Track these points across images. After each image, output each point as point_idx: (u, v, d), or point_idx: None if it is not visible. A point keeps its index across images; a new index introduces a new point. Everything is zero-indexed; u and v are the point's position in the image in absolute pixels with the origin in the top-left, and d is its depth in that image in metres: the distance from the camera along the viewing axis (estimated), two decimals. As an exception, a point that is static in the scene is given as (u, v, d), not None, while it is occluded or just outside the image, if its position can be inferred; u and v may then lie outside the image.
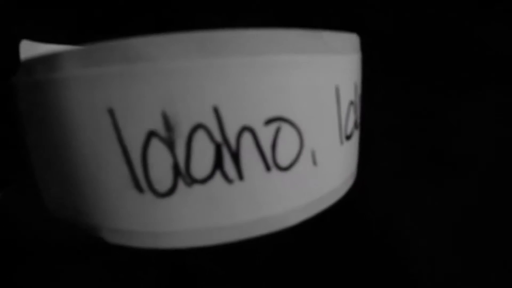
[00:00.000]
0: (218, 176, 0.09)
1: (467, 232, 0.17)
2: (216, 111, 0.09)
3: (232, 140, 0.09)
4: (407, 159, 0.19)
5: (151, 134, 0.09)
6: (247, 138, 0.09)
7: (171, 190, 0.09)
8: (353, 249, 0.16)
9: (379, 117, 0.19)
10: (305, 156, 0.10)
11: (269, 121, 0.09)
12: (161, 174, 0.09)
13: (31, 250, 0.14)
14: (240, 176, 0.09)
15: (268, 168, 0.10)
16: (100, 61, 0.09)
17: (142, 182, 0.09)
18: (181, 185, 0.09)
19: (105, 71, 0.09)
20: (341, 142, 0.11)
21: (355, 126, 0.12)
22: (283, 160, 0.10)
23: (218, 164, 0.09)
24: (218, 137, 0.09)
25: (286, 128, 0.10)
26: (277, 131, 0.10)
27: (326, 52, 0.10)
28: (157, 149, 0.09)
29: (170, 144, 0.09)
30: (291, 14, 0.21)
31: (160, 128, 0.09)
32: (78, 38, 0.23)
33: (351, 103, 0.11)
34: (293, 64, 0.09)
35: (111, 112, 0.09)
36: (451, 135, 0.19)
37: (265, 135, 0.09)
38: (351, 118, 0.12)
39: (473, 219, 0.17)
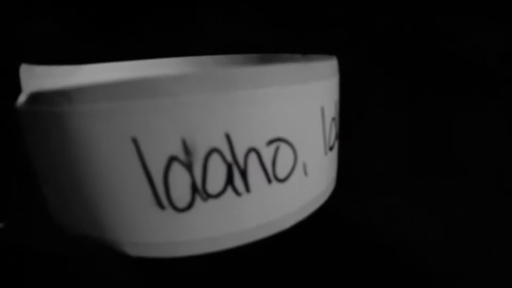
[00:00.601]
0: (229, 190, 0.11)
1: (467, 238, 0.18)
2: (227, 136, 0.10)
3: (241, 160, 0.11)
4: (406, 161, 0.21)
5: (172, 159, 0.10)
6: (253, 157, 0.11)
7: (189, 205, 0.11)
8: (349, 252, 0.17)
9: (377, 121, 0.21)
10: (298, 168, 0.12)
11: (270, 142, 0.11)
12: (181, 192, 0.11)
13: (41, 264, 0.14)
14: (247, 189, 0.11)
15: (269, 180, 0.11)
16: (124, 96, 0.10)
17: (163, 200, 0.11)
18: (198, 200, 0.11)
19: (129, 105, 0.10)
20: (326, 153, 0.13)
21: (336, 138, 0.14)
22: (281, 173, 0.12)
23: (229, 180, 0.11)
24: (229, 158, 0.11)
25: (283, 147, 0.12)
26: (277, 150, 0.11)
27: (313, 79, 0.12)
28: (177, 171, 0.10)
29: (189, 166, 0.10)
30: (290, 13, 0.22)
31: (180, 153, 0.10)
32: (78, 37, 0.23)
33: (333, 119, 0.14)
34: (287, 93, 0.11)
35: (135, 141, 0.10)
36: (452, 137, 0.21)
37: (267, 153, 0.11)
38: (333, 132, 0.14)
39: (474, 222, 0.18)
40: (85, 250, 0.14)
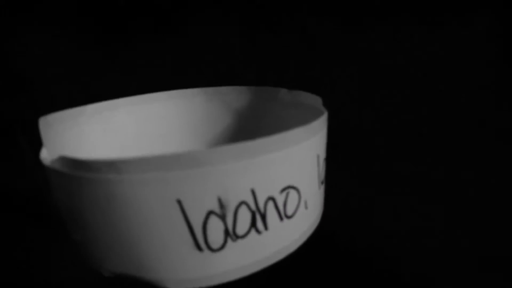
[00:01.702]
0: (253, 231, 0.14)
1: (471, 261, 0.19)
2: (253, 192, 0.13)
3: (262, 207, 0.14)
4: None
5: (210, 213, 0.13)
6: (270, 204, 0.14)
7: (222, 246, 0.13)
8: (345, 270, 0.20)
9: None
10: (301, 205, 0.15)
11: (283, 190, 0.14)
12: (216, 237, 0.13)
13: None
14: (266, 227, 0.14)
15: (281, 218, 0.14)
16: (170, 167, 0.12)
17: (201, 244, 0.13)
18: (229, 241, 0.13)
19: (174, 174, 0.12)
20: (319, 188, 0.16)
21: (324, 172, 0.17)
22: (289, 211, 0.15)
23: (253, 223, 0.14)
24: (253, 207, 0.13)
25: (292, 192, 0.14)
26: (287, 195, 0.14)
27: (312, 135, 0.15)
28: (214, 221, 0.13)
29: (223, 217, 0.13)
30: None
31: (216, 208, 0.13)
32: (78, 37, 0.23)
33: (324, 160, 0.17)
34: (295, 151, 0.14)
35: (179, 202, 0.12)
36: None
37: (281, 199, 0.14)
38: (324, 169, 0.17)
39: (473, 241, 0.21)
40: None
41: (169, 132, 0.22)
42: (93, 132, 0.19)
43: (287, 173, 0.14)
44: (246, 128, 0.23)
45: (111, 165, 0.12)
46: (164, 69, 0.27)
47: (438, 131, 0.28)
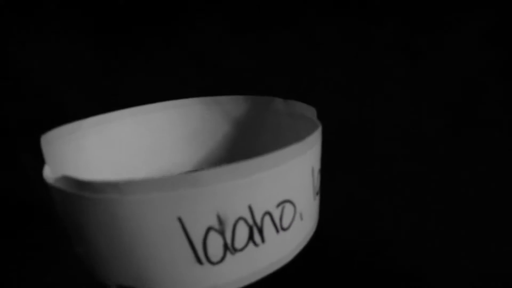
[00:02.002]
0: (250, 244, 0.14)
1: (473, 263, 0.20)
2: (250, 208, 0.14)
3: (259, 222, 0.14)
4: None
5: (209, 229, 0.13)
6: (267, 218, 0.14)
7: (222, 259, 0.14)
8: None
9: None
10: (297, 217, 0.16)
11: (279, 204, 0.15)
12: (215, 251, 0.14)
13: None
14: (263, 240, 0.15)
15: (278, 231, 0.15)
16: (171, 188, 0.13)
17: (202, 258, 0.14)
18: (228, 254, 0.14)
19: (175, 194, 0.13)
20: (314, 199, 0.17)
21: (319, 183, 0.18)
22: (285, 224, 0.15)
23: (250, 237, 0.14)
24: (251, 222, 0.14)
25: (287, 205, 0.15)
26: (283, 209, 0.15)
27: (308, 149, 0.16)
28: (213, 237, 0.14)
29: (222, 232, 0.14)
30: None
31: (215, 224, 0.13)
32: (78, 37, 0.24)
33: (319, 171, 0.17)
34: (291, 167, 0.15)
35: (180, 219, 0.13)
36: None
37: (277, 213, 0.15)
38: (319, 180, 0.17)
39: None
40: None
41: (167, 142, 0.23)
42: (91, 146, 0.20)
43: (283, 188, 0.15)
44: (243, 137, 0.24)
45: (114, 187, 0.13)
46: (165, 71, 0.28)
47: (437, 131, 0.29)
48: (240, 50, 0.28)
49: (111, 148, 0.21)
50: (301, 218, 0.16)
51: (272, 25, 0.28)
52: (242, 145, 0.24)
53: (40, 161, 0.16)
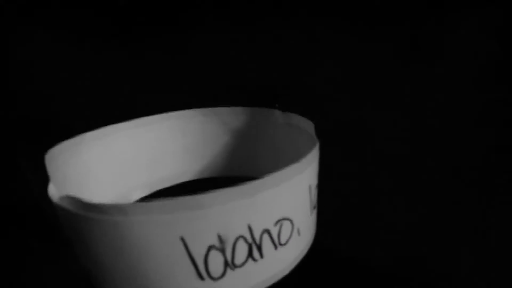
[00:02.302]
0: (249, 260, 0.15)
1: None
2: (249, 227, 0.14)
3: (258, 239, 0.15)
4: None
5: (210, 247, 0.14)
6: (265, 236, 0.15)
7: (222, 275, 0.15)
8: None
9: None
10: (295, 233, 0.16)
11: (277, 222, 0.15)
12: (216, 268, 0.15)
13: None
14: (261, 256, 0.15)
15: (276, 247, 0.16)
16: (174, 210, 0.13)
17: (203, 274, 0.14)
18: (228, 270, 0.15)
19: (178, 215, 0.13)
20: (311, 213, 0.18)
21: (316, 197, 0.19)
22: (283, 239, 0.16)
23: (250, 254, 0.15)
24: (250, 240, 0.15)
25: (285, 222, 0.16)
26: (281, 226, 0.16)
27: (306, 167, 0.16)
28: (214, 254, 0.14)
29: (222, 251, 0.14)
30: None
31: (216, 243, 0.14)
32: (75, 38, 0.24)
33: (316, 186, 0.18)
34: (289, 186, 0.15)
35: (182, 239, 0.14)
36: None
37: (275, 230, 0.15)
38: (315, 195, 0.18)
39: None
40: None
41: (168, 152, 0.23)
42: (93, 159, 0.20)
43: (281, 207, 0.15)
44: (242, 147, 0.24)
45: (119, 209, 0.13)
46: (165, 76, 0.28)
47: (437, 132, 0.29)
48: (240, 49, 0.28)
49: (113, 160, 0.21)
50: (299, 234, 0.17)
51: (270, 23, 0.28)
52: (241, 155, 0.24)
53: (42, 171, 0.17)
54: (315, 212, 0.19)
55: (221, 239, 0.14)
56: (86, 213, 0.14)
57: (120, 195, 0.22)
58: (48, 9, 0.27)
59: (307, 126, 0.21)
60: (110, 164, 0.21)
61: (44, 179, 0.17)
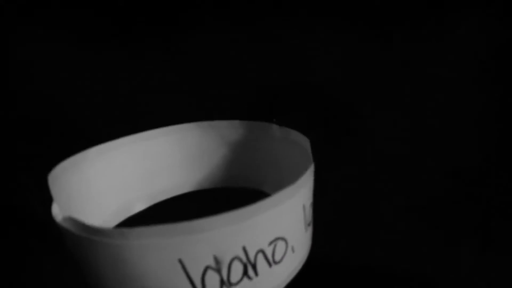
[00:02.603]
0: (245, 278, 0.16)
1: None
2: (244, 248, 0.15)
3: (252, 259, 0.16)
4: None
5: (207, 268, 0.15)
6: (260, 255, 0.16)
7: (218, 293, 0.16)
8: None
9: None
10: (289, 251, 0.17)
11: (271, 242, 0.16)
12: (213, 286, 0.15)
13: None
14: (256, 274, 0.16)
15: (270, 265, 0.16)
16: (173, 234, 0.14)
17: (200, 293, 0.15)
18: (224, 288, 0.16)
19: (177, 239, 0.14)
20: (306, 230, 0.18)
21: (311, 214, 0.19)
22: (277, 258, 0.17)
23: (245, 273, 0.16)
24: (245, 260, 0.15)
25: (280, 242, 0.16)
26: (275, 245, 0.16)
27: (300, 189, 0.17)
28: (211, 274, 0.15)
29: (218, 271, 0.15)
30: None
31: (212, 264, 0.15)
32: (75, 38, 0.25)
33: (310, 204, 0.19)
34: (283, 208, 0.16)
35: (180, 261, 0.14)
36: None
37: (269, 250, 0.16)
38: (310, 213, 0.19)
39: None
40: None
41: (167, 165, 0.24)
42: (95, 175, 0.21)
43: (275, 228, 0.16)
44: (240, 160, 0.25)
45: (121, 234, 0.14)
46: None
47: (437, 132, 0.29)
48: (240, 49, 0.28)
49: (114, 174, 0.22)
50: (293, 251, 0.18)
51: (270, 23, 0.29)
52: (239, 167, 0.25)
53: (46, 190, 0.18)
54: (310, 228, 0.19)
55: (217, 260, 0.15)
56: (87, 236, 0.15)
57: (122, 207, 0.23)
58: (48, 9, 0.27)
59: (304, 142, 0.21)
60: (112, 178, 0.22)
61: (47, 198, 0.17)
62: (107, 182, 0.22)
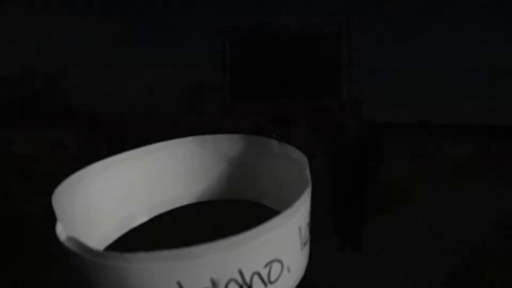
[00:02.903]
0: (241, 299, 0.16)
1: None
2: (240, 271, 0.16)
3: (248, 281, 0.16)
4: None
5: (204, 290, 0.15)
6: (256, 277, 0.16)
7: (215, 312, 0.16)
8: None
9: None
10: (285, 271, 0.18)
11: (266, 264, 0.17)
12: (210, 306, 0.16)
13: None
14: (252, 294, 0.17)
15: (266, 285, 0.17)
16: (170, 259, 0.15)
17: (198, 312, 0.16)
18: (221, 308, 0.16)
19: (175, 263, 0.15)
20: (302, 250, 0.19)
21: (307, 235, 0.20)
22: (273, 278, 0.17)
23: (241, 294, 0.16)
24: (241, 282, 0.16)
25: (275, 263, 0.17)
26: (271, 267, 0.17)
27: (295, 212, 0.17)
28: (208, 296, 0.16)
29: (215, 293, 0.16)
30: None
31: (209, 286, 0.15)
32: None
33: (307, 224, 0.19)
34: (278, 233, 0.16)
35: (179, 283, 0.15)
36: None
37: (265, 272, 0.17)
38: (307, 232, 0.19)
39: None
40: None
41: (167, 179, 0.24)
42: (97, 190, 0.21)
43: (271, 251, 0.17)
44: (239, 173, 0.25)
45: (123, 258, 0.15)
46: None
47: None
48: None
49: (116, 188, 0.23)
50: (289, 271, 0.18)
51: None
52: (238, 180, 0.26)
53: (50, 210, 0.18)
54: (306, 246, 0.20)
55: (214, 282, 0.15)
56: (90, 257, 0.15)
57: (125, 220, 0.23)
58: (48, 9, 0.27)
59: (302, 160, 0.22)
60: (114, 192, 0.22)
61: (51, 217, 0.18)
62: (110, 196, 0.22)
